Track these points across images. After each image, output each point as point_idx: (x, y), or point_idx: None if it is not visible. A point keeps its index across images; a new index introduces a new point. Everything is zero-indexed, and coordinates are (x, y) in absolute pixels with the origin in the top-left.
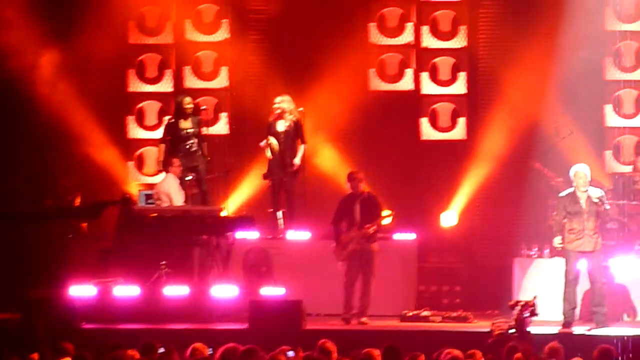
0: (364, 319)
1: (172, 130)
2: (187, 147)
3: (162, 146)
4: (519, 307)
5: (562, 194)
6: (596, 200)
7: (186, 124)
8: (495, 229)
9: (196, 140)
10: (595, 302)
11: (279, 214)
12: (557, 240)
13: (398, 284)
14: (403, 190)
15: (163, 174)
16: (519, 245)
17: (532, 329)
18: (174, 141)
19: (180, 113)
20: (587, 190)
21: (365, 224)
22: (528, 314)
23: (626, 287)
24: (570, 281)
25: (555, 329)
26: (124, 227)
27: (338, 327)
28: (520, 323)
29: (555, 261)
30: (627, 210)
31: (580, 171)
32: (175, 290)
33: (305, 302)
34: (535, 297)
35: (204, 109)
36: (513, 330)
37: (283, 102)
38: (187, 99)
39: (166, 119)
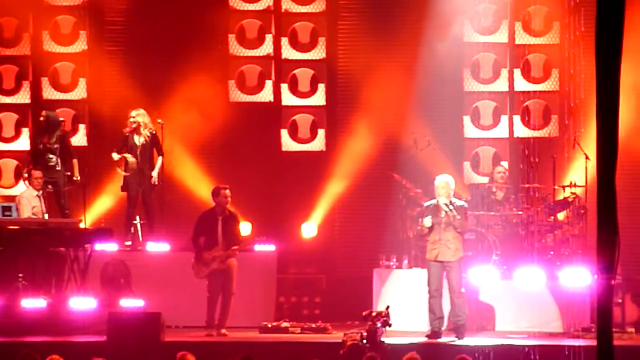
0: (223, 331)
1: (36, 144)
2: (46, 161)
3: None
4: (371, 318)
5: (426, 203)
6: (449, 210)
7: (48, 139)
8: (355, 239)
9: (55, 155)
10: (455, 312)
11: (137, 224)
12: (427, 220)
13: (258, 295)
14: (263, 201)
15: (23, 186)
16: (378, 256)
17: (388, 339)
18: (35, 154)
19: (42, 127)
20: (447, 200)
21: (227, 242)
22: (380, 324)
23: (485, 298)
24: (433, 291)
25: (417, 339)
26: None
27: (197, 339)
28: (373, 333)
29: (414, 272)
30: (485, 221)
31: (442, 181)
32: (33, 303)
33: (164, 314)
34: (388, 307)
35: (62, 121)
36: (365, 341)
37: (138, 115)
38: (44, 112)
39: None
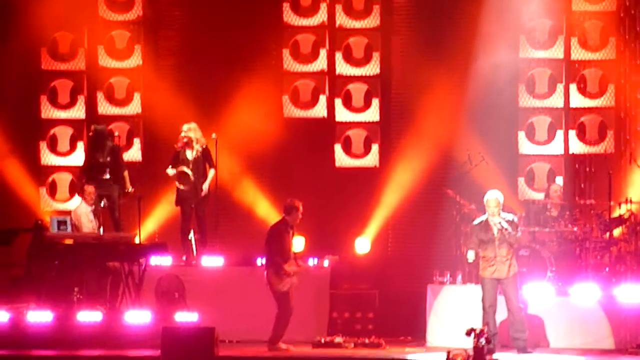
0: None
1: (88, 158)
2: (100, 175)
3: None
4: (476, 335)
5: (475, 222)
6: (501, 226)
7: (100, 154)
8: (408, 255)
9: (107, 169)
10: (515, 328)
11: (192, 238)
12: (470, 254)
13: (311, 310)
14: (317, 216)
15: (78, 201)
16: (432, 271)
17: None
18: (88, 169)
19: (95, 142)
20: (498, 217)
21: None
22: (484, 342)
23: (539, 314)
24: (488, 308)
25: None
26: (36, 253)
27: (251, 354)
28: (480, 351)
29: (468, 287)
30: (540, 238)
31: (492, 198)
32: (88, 316)
33: (218, 329)
34: (487, 324)
35: (117, 136)
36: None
37: (190, 130)
38: (100, 127)
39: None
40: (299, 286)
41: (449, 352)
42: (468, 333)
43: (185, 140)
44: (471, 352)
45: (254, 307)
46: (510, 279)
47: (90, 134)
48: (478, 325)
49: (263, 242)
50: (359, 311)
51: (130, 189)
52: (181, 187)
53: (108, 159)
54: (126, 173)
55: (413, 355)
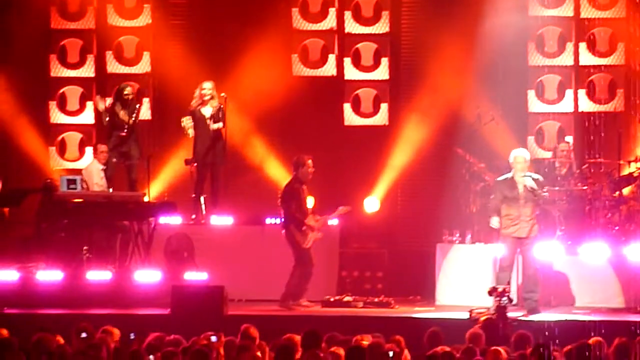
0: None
1: (110, 115)
2: (120, 134)
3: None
4: (497, 294)
5: (500, 178)
6: (532, 188)
7: (122, 112)
8: (418, 214)
9: (128, 128)
10: (528, 289)
11: (202, 199)
12: (494, 221)
13: (320, 269)
14: (326, 175)
15: (88, 160)
16: (441, 230)
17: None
18: (108, 127)
19: (118, 100)
20: (524, 176)
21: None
22: (506, 301)
23: (549, 274)
24: (506, 267)
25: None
26: (45, 213)
27: (260, 313)
28: (502, 309)
29: (477, 247)
30: (549, 196)
31: (520, 156)
32: (98, 276)
33: (227, 287)
34: (508, 283)
35: (135, 96)
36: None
37: (213, 88)
38: (129, 89)
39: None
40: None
41: (471, 311)
42: (490, 292)
43: (207, 97)
44: (493, 311)
45: (263, 267)
46: (531, 239)
47: (120, 92)
48: (492, 283)
49: (273, 202)
50: (368, 270)
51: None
52: (191, 133)
53: (128, 118)
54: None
55: (430, 314)
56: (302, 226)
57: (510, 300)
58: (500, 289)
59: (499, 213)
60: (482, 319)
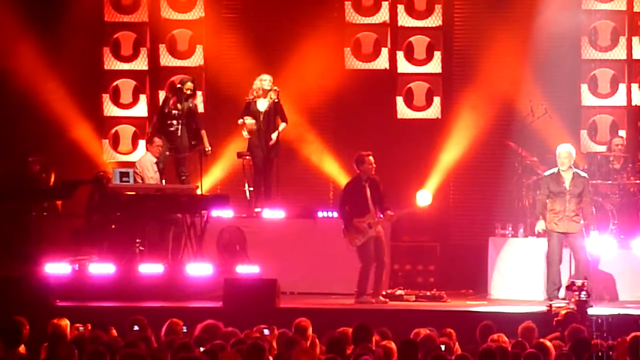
0: (382, 298)
1: (163, 109)
2: (172, 128)
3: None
4: (576, 288)
5: (546, 173)
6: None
7: (178, 106)
8: (470, 208)
9: (181, 124)
10: None
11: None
12: (540, 225)
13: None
14: (378, 168)
15: (142, 152)
16: (494, 224)
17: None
18: (161, 120)
19: (176, 94)
20: (570, 171)
21: (376, 209)
22: (585, 296)
23: (601, 267)
24: (553, 262)
25: (533, 308)
26: (96, 205)
27: (313, 306)
28: (582, 304)
29: (530, 240)
30: (602, 190)
31: (564, 151)
32: (150, 268)
33: (279, 281)
34: (586, 278)
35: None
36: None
37: (271, 81)
38: (190, 84)
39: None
40: None
41: (550, 306)
42: (569, 287)
43: (266, 89)
44: (572, 306)
45: (316, 260)
46: (577, 233)
47: (178, 85)
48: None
49: (325, 195)
50: (420, 264)
51: (209, 149)
52: (245, 134)
53: (179, 112)
54: (204, 132)
55: (482, 308)
56: (350, 226)
57: (589, 295)
58: (579, 284)
59: (545, 211)
60: (563, 312)
